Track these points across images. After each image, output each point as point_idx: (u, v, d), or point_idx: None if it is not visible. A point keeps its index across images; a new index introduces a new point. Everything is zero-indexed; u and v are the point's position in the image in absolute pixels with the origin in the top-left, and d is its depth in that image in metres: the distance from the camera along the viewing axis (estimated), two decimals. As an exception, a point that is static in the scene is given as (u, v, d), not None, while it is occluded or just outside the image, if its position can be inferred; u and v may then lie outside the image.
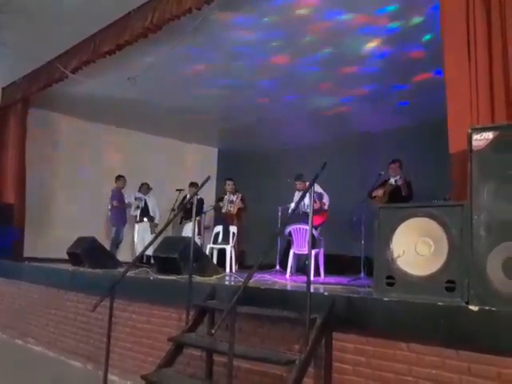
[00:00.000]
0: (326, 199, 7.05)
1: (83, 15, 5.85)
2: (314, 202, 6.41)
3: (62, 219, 9.09)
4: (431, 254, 2.86)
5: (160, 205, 9.31)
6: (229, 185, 8.04)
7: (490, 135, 2.73)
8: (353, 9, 5.47)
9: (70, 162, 9.55)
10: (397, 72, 6.79)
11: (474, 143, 2.75)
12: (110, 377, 3.96)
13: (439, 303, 2.58)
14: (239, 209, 7.85)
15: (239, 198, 7.90)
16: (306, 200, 5.98)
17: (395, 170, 6.43)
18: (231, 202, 7.91)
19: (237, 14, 5.74)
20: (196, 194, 4.06)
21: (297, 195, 7.22)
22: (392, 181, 6.40)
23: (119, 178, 9.13)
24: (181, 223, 8.93)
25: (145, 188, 9.25)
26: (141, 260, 6.60)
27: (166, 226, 4.03)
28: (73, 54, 6.84)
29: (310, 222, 3.06)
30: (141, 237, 8.98)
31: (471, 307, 2.46)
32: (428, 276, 2.81)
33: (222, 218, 7.98)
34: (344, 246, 7.70)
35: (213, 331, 2.62)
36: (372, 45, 6.18)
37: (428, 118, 7.41)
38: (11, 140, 8.49)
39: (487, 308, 2.42)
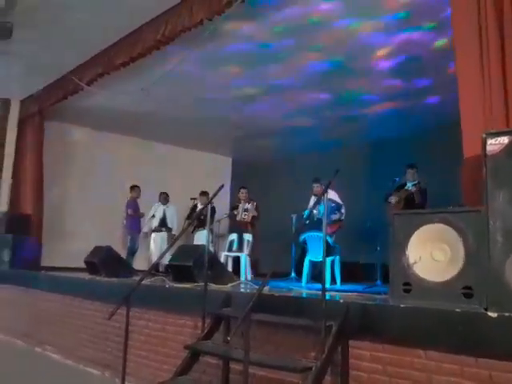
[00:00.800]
0: (343, 210, 7.02)
1: (97, 29, 5.99)
2: (334, 213, 6.42)
3: (78, 229, 9.20)
4: (447, 260, 2.83)
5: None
6: (242, 193, 8.07)
7: (505, 140, 2.70)
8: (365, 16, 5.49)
9: (86, 172, 9.69)
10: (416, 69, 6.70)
11: (489, 148, 2.72)
12: (127, 385, 3.99)
13: (457, 310, 2.55)
14: (253, 217, 7.86)
15: (254, 205, 7.92)
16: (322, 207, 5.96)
17: (413, 175, 6.39)
18: (245, 210, 7.93)
19: (248, 23, 5.80)
20: (210, 202, 4.08)
21: (313, 199, 7.19)
22: (409, 185, 6.35)
23: (134, 188, 9.23)
24: (193, 232, 8.96)
25: (163, 198, 9.31)
26: (157, 269, 6.65)
27: (181, 234, 4.08)
28: (88, 67, 6.98)
29: (324, 228, 3.06)
30: (158, 246, 9.03)
31: (490, 313, 2.43)
32: (445, 282, 2.78)
33: (237, 226, 7.99)
34: (360, 253, 7.65)
35: (228, 338, 2.62)
36: (383, 52, 6.19)
37: (441, 123, 7.36)
38: (29, 152, 8.67)
39: (507, 314, 2.38)
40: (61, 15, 5.78)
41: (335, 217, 6.51)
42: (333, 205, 6.45)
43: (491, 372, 2.35)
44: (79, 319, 5.37)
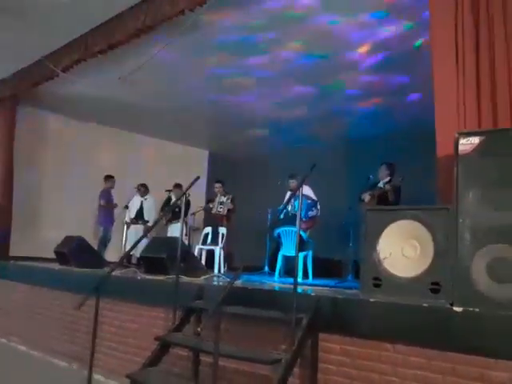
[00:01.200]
0: (319, 206, 7.06)
1: (75, 14, 5.84)
2: (311, 210, 6.44)
3: (50, 219, 9.01)
4: (417, 256, 2.89)
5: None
6: (217, 187, 8.05)
7: (476, 140, 2.77)
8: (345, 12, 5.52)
9: (59, 161, 9.47)
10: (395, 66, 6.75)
11: (461, 148, 2.79)
12: (96, 376, 3.94)
13: (424, 304, 2.61)
14: (229, 210, 7.84)
15: (230, 198, 7.90)
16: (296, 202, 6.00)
17: (383, 173, 6.45)
18: (221, 203, 7.91)
19: (228, 14, 5.76)
20: (185, 194, 4.05)
21: (288, 195, 7.21)
22: (381, 184, 6.43)
23: (108, 178, 9.06)
24: (166, 224, 8.87)
25: (142, 190, 9.15)
26: (129, 261, 6.57)
27: (153, 226, 4.04)
28: (64, 53, 6.80)
29: (297, 223, 3.08)
30: (133, 239, 8.85)
31: (455, 308, 2.50)
32: (414, 278, 2.84)
33: (212, 220, 7.97)
34: (333, 249, 7.73)
35: (198, 329, 2.62)
36: (363, 49, 6.24)
37: (418, 122, 7.46)
38: (-1, 137, 8.42)
39: (471, 309, 2.45)
40: (36, -1, 5.62)
41: (312, 213, 6.54)
42: (309, 201, 6.48)
43: (455, 365, 2.41)
44: (48, 310, 5.28)
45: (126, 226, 8.98)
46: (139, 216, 9.02)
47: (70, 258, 5.99)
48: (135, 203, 9.06)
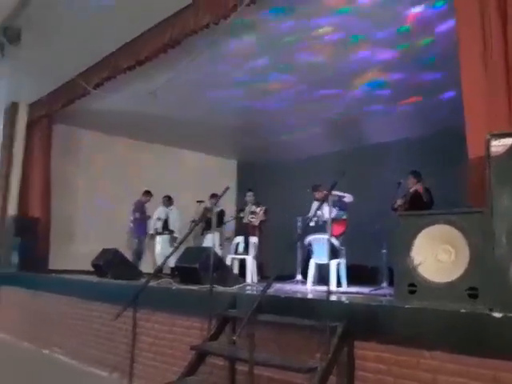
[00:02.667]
0: (347, 198, 6.98)
1: (104, 32, 6.04)
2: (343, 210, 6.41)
3: (86, 232, 9.27)
4: (452, 261, 2.85)
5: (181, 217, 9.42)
6: (249, 196, 8.10)
7: (508, 141, 2.71)
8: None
9: (93, 175, 9.76)
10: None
11: (493, 149, 2.73)
12: (135, 386, 4.02)
13: (462, 310, 2.56)
14: (261, 221, 7.89)
15: (263, 210, 7.93)
16: (326, 211, 5.97)
17: (411, 181, 6.40)
18: (253, 212, 7.95)
19: (253, 28, 5.85)
20: (215, 204, 4.12)
21: (315, 205, 7.21)
22: (410, 191, 6.36)
23: (147, 193, 9.29)
24: (202, 234, 8.99)
25: (165, 200, 9.35)
26: (161, 271, 6.68)
27: (186, 236, 4.09)
28: (94, 71, 7.05)
29: (328, 229, 3.08)
30: (162, 249, 9.06)
31: (495, 314, 2.44)
32: (449, 283, 2.79)
33: (243, 229, 8.01)
34: (366, 256, 7.63)
35: (234, 338, 2.65)
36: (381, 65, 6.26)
37: (446, 125, 7.34)
38: (37, 155, 8.75)
39: (511, 315, 2.39)
40: (68, 19, 5.85)
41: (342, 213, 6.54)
42: (335, 198, 6.47)
43: (496, 373, 2.35)
44: (87, 321, 5.42)
45: (156, 237, 9.18)
46: (165, 226, 9.19)
47: (106, 270, 6.15)
48: (160, 214, 9.23)
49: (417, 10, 5.27)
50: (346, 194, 7.00)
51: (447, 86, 6.74)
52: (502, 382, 2.34)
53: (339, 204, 6.80)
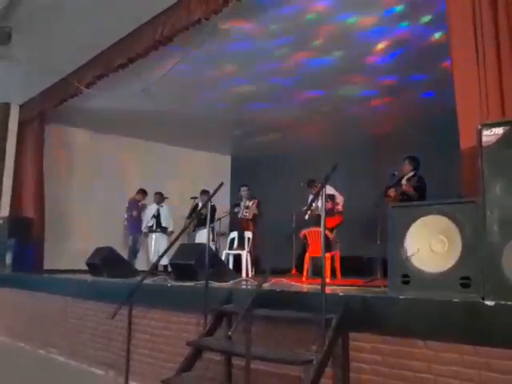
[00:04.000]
0: (339, 200, 7.04)
1: (95, 31, 6.01)
2: (326, 201, 6.38)
3: (80, 231, 9.25)
4: (445, 251, 2.86)
5: (175, 213, 9.39)
6: (243, 191, 8.11)
7: (499, 130, 2.72)
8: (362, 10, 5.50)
9: (86, 174, 9.72)
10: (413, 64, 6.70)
11: (484, 139, 2.74)
12: (132, 383, 4.02)
13: (455, 300, 2.58)
14: (254, 214, 7.90)
15: (255, 203, 7.95)
16: (320, 203, 5.98)
17: (407, 167, 6.37)
18: (247, 207, 7.97)
19: (246, 21, 5.83)
20: (209, 200, 4.11)
21: (311, 197, 7.22)
22: (404, 180, 6.35)
23: (142, 191, 9.24)
24: (194, 231, 8.98)
25: (158, 197, 9.30)
26: (156, 268, 6.68)
27: (180, 234, 4.07)
28: (86, 69, 7.00)
29: (322, 222, 3.08)
30: (156, 246, 9.04)
31: (487, 302, 2.46)
32: (443, 273, 2.80)
33: (238, 224, 8.03)
34: (361, 247, 7.67)
35: (229, 333, 2.65)
36: (382, 46, 6.21)
37: (440, 115, 7.36)
38: (29, 156, 8.70)
39: (503, 303, 2.41)
40: (58, 19, 5.80)
41: (327, 205, 6.54)
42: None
43: (489, 360, 2.37)
44: (82, 320, 5.41)
45: (144, 235, 9.15)
46: (157, 224, 9.14)
47: (101, 269, 6.13)
48: (152, 211, 9.19)
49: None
50: (339, 196, 7.03)
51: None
52: (495, 369, 2.35)
53: (330, 198, 6.84)
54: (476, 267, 2.66)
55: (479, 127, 2.79)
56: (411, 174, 6.29)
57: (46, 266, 8.16)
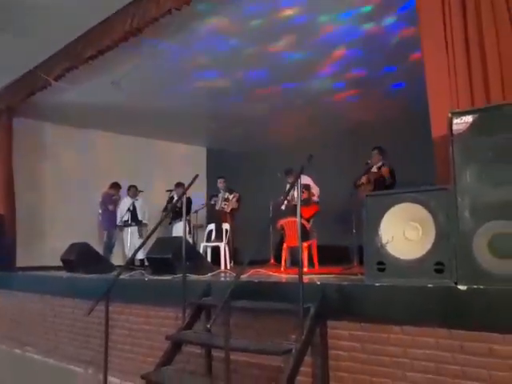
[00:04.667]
0: (315, 190, 7.10)
1: (62, 21, 5.84)
2: (302, 191, 6.44)
3: (53, 227, 9.06)
4: (419, 238, 2.91)
5: (151, 207, 9.29)
6: (220, 182, 8.09)
7: (469, 119, 2.78)
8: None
9: (58, 169, 9.51)
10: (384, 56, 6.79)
11: (455, 127, 2.80)
12: (111, 379, 4.00)
13: (429, 285, 2.64)
14: (232, 208, 7.90)
15: (236, 197, 7.93)
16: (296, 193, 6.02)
17: (376, 158, 6.51)
18: (225, 199, 7.95)
19: (217, 16, 5.77)
20: (185, 193, 4.07)
21: (288, 187, 7.25)
22: (374, 168, 6.48)
23: (115, 185, 9.08)
24: (170, 224, 8.91)
25: (133, 191, 9.17)
26: (133, 263, 6.60)
27: (156, 227, 4.03)
28: (55, 62, 6.81)
29: (298, 211, 3.10)
30: (132, 240, 8.90)
31: (460, 287, 2.52)
32: (417, 259, 2.86)
33: (215, 216, 8.00)
34: (338, 236, 7.76)
35: (208, 326, 2.65)
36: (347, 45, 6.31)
37: (414, 106, 7.48)
38: (-3, 150, 8.44)
39: (475, 287, 2.48)
40: (25, 9, 5.61)
41: (303, 195, 6.60)
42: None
43: (462, 342, 2.45)
44: (59, 317, 5.33)
45: (118, 229, 9.02)
46: (133, 218, 9.00)
47: (76, 265, 6.04)
48: (126, 205, 9.03)
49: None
50: (314, 187, 7.09)
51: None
52: (470, 352, 2.43)
53: (305, 188, 6.89)
54: (449, 253, 2.72)
55: (449, 115, 2.84)
56: (380, 163, 6.44)
57: (19, 263, 7.97)
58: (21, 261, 8.01)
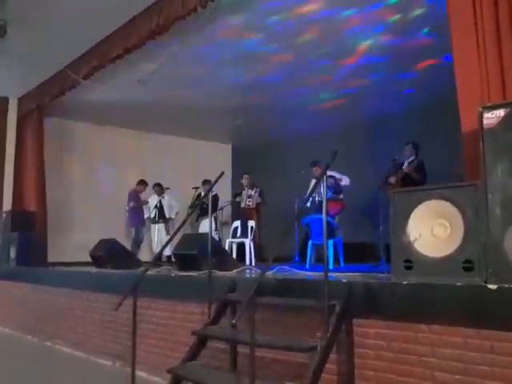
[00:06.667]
0: (344, 181, 7.01)
1: (91, 22, 5.95)
2: (330, 178, 6.42)
3: (83, 223, 9.28)
4: (448, 236, 2.85)
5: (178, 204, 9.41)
6: (245, 179, 8.09)
7: (501, 113, 2.70)
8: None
9: (87, 166, 9.74)
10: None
11: (485, 121, 2.73)
12: (139, 373, 4.05)
13: (458, 284, 2.58)
14: (257, 203, 7.89)
15: (258, 192, 7.93)
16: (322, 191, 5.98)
17: (410, 152, 6.40)
18: (249, 196, 7.95)
19: (241, 13, 5.78)
20: (210, 190, 4.10)
21: (313, 182, 7.18)
22: (405, 164, 6.36)
23: (142, 182, 9.24)
24: (197, 220, 9.00)
25: (158, 189, 9.32)
26: (160, 259, 6.70)
27: (182, 224, 4.07)
28: (83, 61, 6.96)
29: (324, 208, 3.08)
30: (158, 237, 9.07)
31: (490, 286, 2.46)
32: (445, 257, 2.80)
33: (241, 213, 8.02)
34: (365, 233, 7.67)
35: (233, 321, 2.66)
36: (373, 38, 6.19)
37: (439, 99, 7.31)
38: (29, 149, 8.69)
39: (506, 286, 2.41)
40: (53, 10, 5.75)
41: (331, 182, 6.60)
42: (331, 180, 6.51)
43: (492, 343, 2.38)
44: (88, 312, 5.45)
45: (146, 226, 9.18)
46: (160, 215, 9.15)
47: (105, 261, 6.16)
48: (154, 202, 9.19)
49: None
50: (343, 177, 7.01)
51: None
52: (499, 352, 2.37)
53: (335, 186, 6.82)
54: (478, 251, 2.65)
55: (480, 110, 2.77)
56: (412, 157, 6.32)
57: (50, 258, 8.20)
58: (51, 256, 8.24)
